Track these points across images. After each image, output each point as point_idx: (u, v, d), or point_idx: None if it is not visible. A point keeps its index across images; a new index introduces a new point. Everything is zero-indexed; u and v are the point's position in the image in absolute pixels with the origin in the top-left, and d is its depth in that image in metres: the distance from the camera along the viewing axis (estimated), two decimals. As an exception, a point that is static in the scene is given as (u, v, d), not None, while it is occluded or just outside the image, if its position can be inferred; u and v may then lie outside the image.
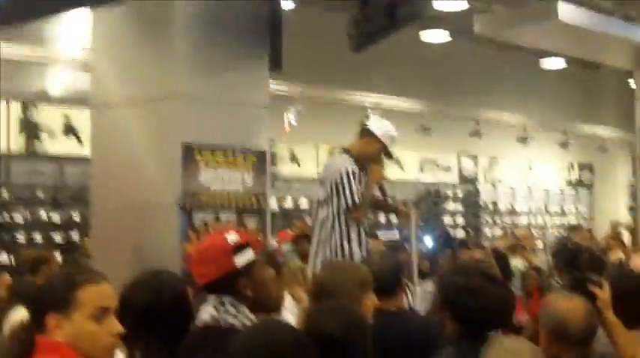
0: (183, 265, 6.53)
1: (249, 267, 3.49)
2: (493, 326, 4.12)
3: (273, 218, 14.88)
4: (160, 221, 6.80)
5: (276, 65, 7.61)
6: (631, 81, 14.60)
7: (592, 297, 4.01)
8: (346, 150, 6.60)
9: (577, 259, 4.34)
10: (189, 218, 6.71)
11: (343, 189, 6.28)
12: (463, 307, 4.03)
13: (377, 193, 6.60)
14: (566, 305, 3.81)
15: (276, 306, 3.76)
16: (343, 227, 6.35)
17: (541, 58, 16.99)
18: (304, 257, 9.38)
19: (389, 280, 4.53)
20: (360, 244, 6.34)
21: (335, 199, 6.35)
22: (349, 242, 6.30)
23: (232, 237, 3.52)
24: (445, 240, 10.97)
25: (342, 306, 3.69)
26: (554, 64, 17.43)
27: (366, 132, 6.52)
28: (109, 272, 3.00)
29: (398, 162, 16.71)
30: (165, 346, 3.66)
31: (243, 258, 3.47)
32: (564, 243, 4.41)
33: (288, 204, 15.38)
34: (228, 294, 3.45)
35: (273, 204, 14.98)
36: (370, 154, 6.49)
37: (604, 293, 4.06)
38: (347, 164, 6.31)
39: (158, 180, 6.82)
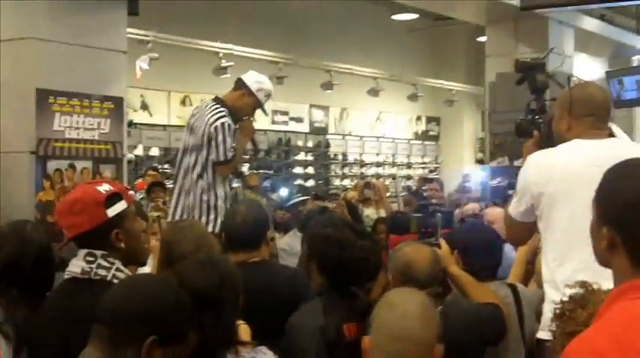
0: (37, 215, 6.34)
1: (122, 217, 3.37)
2: (359, 278, 4.17)
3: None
4: (13, 169, 6.55)
5: (133, 10, 7.41)
6: (482, 38, 14.89)
7: None
8: (219, 100, 6.47)
9: (408, 227, 4.45)
10: (44, 166, 6.49)
11: (217, 142, 6.17)
12: (330, 259, 4.07)
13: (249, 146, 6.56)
14: (412, 250, 3.97)
15: (146, 259, 3.67)
16: (210, 179, 6.26)
17: (393, 11, 17.15)
18: (156, 206, 9.27)
19: (252, 233, 4.49)
20: (225, 198, 6.27)
21: (205, 150, 6.25)
22: (215, 195, 6.23)
23: (104, 187, 3.38)
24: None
25: (212, 260, 3.63)
26: (405, 16, 17.64)
27: (240, 85, 6.41)
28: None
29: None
30: (30, 299, 3.55)
31: (115, 209, 3.35)
32: (395, 212, 4.54)
33: (139, 151, 15.14)
34: (100, 247, 3.32)
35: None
36: (243, 107, 6.39)
37: (443, 250, 4.20)
38: (225, 117, 6.20)
39: (11, 127, 6.56)
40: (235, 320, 3.50)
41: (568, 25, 13.57)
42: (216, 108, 6.29)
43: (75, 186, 6.40)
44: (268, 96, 6.46)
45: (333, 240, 4.11)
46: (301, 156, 18.41)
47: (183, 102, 15.61)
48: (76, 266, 3.32)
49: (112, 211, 3.33)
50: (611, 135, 3.91)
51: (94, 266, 3.29)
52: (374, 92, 17.18)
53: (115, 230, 3.33)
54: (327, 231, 4.12)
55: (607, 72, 13.76)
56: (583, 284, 2.44)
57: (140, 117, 15.18)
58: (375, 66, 17.28)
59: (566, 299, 2.48)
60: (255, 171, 15.57)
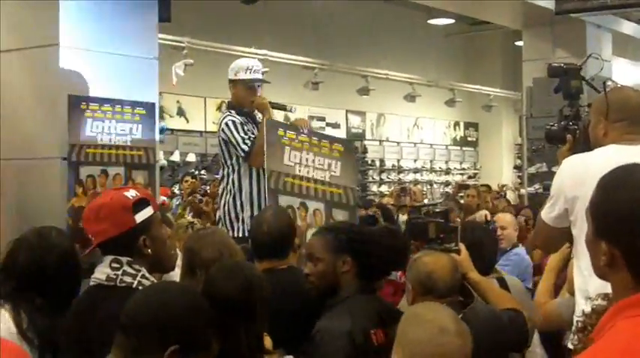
0: (69, 221, 6.34)
1: (149, 223, 3.34)
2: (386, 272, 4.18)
3: (160, 172, 14.75)
4: (45, 175, 6.56)
5: (164, 16, 7.41)
6: (519, 42, 14.77)
7: None
8: (228, 105, 6.59)
9: (426, 233, 4.41)
10: (76, 172, 6.49)
11: (231, 141, 6.22)
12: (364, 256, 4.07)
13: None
14: (432, 260, 3.91)
15: (173, 266, 3.64)
16: (234, 188, 6.30)
17: (429, 16, 17.08)
18: (197, 212, 9.31)
19: (278, 242, 4.47)
20: (251, 204, 6.27)
21: (226, 156, 6.30)
22: (241, 205, 6.27)
23: (131, 193, 3.36)
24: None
25: (239, 266, 3.62)
26: (442, 21, 17.57)
27: (229, 83, 6.51)
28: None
29: (286, 117, 16.67)
30: (53, 305, 3.53)
31: (142, 215, 3.32)
32: (412, 218, 4.52)
33: (175, 157, 15.20)
34: (126, 253, 3.29)
35: (160, 156, 14.81)
36: (242, 99, 6.43)
37: (462, 257, 4.16)
38: (227, 117, 6.28)
39: (43, 133, 6.58)
40: (264, 328, 3.47)
41: (606, 29, 13.42)
42: (223, 114, 6.39)
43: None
44: (249, 69, 6.49)
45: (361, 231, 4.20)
46: (338, 162, 18.35)
47: (219, 108, 15.63)
48: (102, 272, 3.30)
49: (139, 217, 3.31)
50: None
51: (119, 273, 3.26)
52: (410, 97, 17.12)
53: (142, 236, 3.31)
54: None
55: (646, 76, 13.60)
56: (606, 296, 2.34)
57: (176, 123, 15.25)
58: (412, 71, 17.22)
59: (588, 311, 2.41)
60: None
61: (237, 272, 3.49)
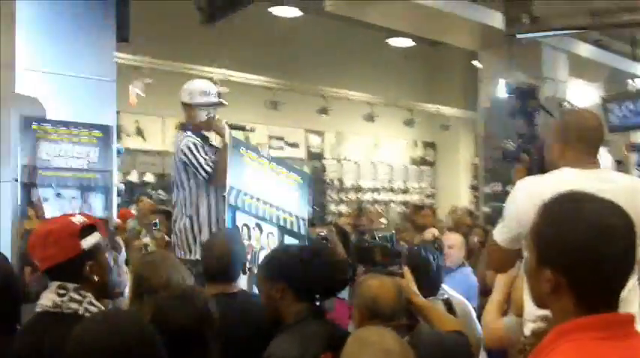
0: (20, 243, 6.29)
1: (96, 249, 3.34)
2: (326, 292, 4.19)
3: (117, 193, 14.64)
4: (-3, 197, 6.51)
5: (123, 36, 7.39)
6: (475, 62, 14.90)
7: None
8: (183, 126, 6.57)
9: (372, 256, 4.46)
10: (29, 194, 6.44)
11: (192, 164, 6.22)
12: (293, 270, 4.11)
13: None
14: (376, 284, 3.91)
15: (120, 293, 3.63)
16: (191, 209, 6.29)
17: (388, 36, 17.15)
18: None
19: (228, 266, 4.49)
20: (209, 226, 6.28)
21: (183, 178, 6.28)
22: (199, 227, 6.27)
23: (78, 219, 3.37)
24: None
25: (189, 294, 3.61)
26: (400, 42, 17.65)
27: (183, 106, 6.52)
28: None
29: (246, 138, 16.65)
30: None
31: (89, 241, 3.32)
32: (357, 242, 4.61)
33: (133, 177, 15.12)
34: (72, 279, 3.29)
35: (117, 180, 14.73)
36: (199, 120, 6.45)
37: (405, 281, 4.19)
38: (187, 138, 6.27)
39: (-5, 155, 6.53)
40: (215, 355, 3.48)
41: (562, 50, 13.58)
42: (181, 135, 6.37)
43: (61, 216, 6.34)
44: (205, 92, 6.51)
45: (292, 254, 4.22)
46: (297, 182, 18.32)
47: (176, 128, 15.58)
48: (48, 299, 3.30)
49: (86, 243, 3.31)
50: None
51: (65, 299, 3.26)
52: (369, 117, 17.17)
53: (89, 262, 3.30)
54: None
55: (602, 97, 13.75)
56: (545, 318, 2.39)
57: (134, 142, 15.17)
58: (371, 91, 17.28)
59: (528, 333, 2.45)
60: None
61: (188, 301, 3.50)
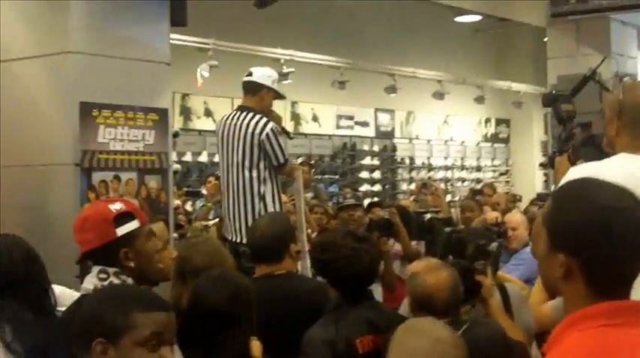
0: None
1: (132, 237, 3.41)
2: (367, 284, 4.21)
3: (187, 172, 14.86)
4: (58, 181, 6.64)
5: (178, 21, 7.43)
6: (546, 39, 14.72)
7: (477, 285, 4.19)
8: (248, 109, 6.61)
9: (464, 249, 4.47)
10: (89, 178, 6.56)
11: (273, 148, 6.37)
12: (316, 262, 4.32)
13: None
14: (431, 280, 3.89)
15: (161, 279, 3.68)
16: (260, 193, 6.42)
17: (456, 13, 17.01)
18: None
19: (272, 247, 4.55)
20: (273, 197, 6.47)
21: (255, 159, 6.40)
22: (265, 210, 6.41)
23: (116, 206, 3.45)
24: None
25: (224, 276, 3.68)
26: (468, 17, 17.50)
27: (255, 87, 6.60)
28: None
29: (314, 117, 16.73)
30: (38, 317, 3.59)
31: (124, 228, 3.40)
32: (448, 234, 4.54)
33: (203, 158, 15.32)
34: (111, 264, 3.38)
35: (188, 157, 14.96)
36: (269, 106, 6.57)
37: (487, 281, 4.28)
38: (270, 123, 6.41)
39: (55, 140, 6.65)
40: (249, 337, 3.54)
41: (632, 25, 13.31)
42: (254, 117, 6.43)
43: (120, 196, 6.49)
44: (276, 80, 6.85)
45: (316, 244, 4.44)
46: (367, 161, 18.36)
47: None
48: (90, 282, 3.39)
49: (121, 230, 3.39)
50: None
51: (106, 283, 3.34)
52: (439, 95, 17.05)
53: (124, 249, 3.37)
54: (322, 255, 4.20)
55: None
56: None
57: (204, 124, 15.34)
58: (439, 68, 17.15)
59: None
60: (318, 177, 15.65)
61: (224, 283, 3.57)
